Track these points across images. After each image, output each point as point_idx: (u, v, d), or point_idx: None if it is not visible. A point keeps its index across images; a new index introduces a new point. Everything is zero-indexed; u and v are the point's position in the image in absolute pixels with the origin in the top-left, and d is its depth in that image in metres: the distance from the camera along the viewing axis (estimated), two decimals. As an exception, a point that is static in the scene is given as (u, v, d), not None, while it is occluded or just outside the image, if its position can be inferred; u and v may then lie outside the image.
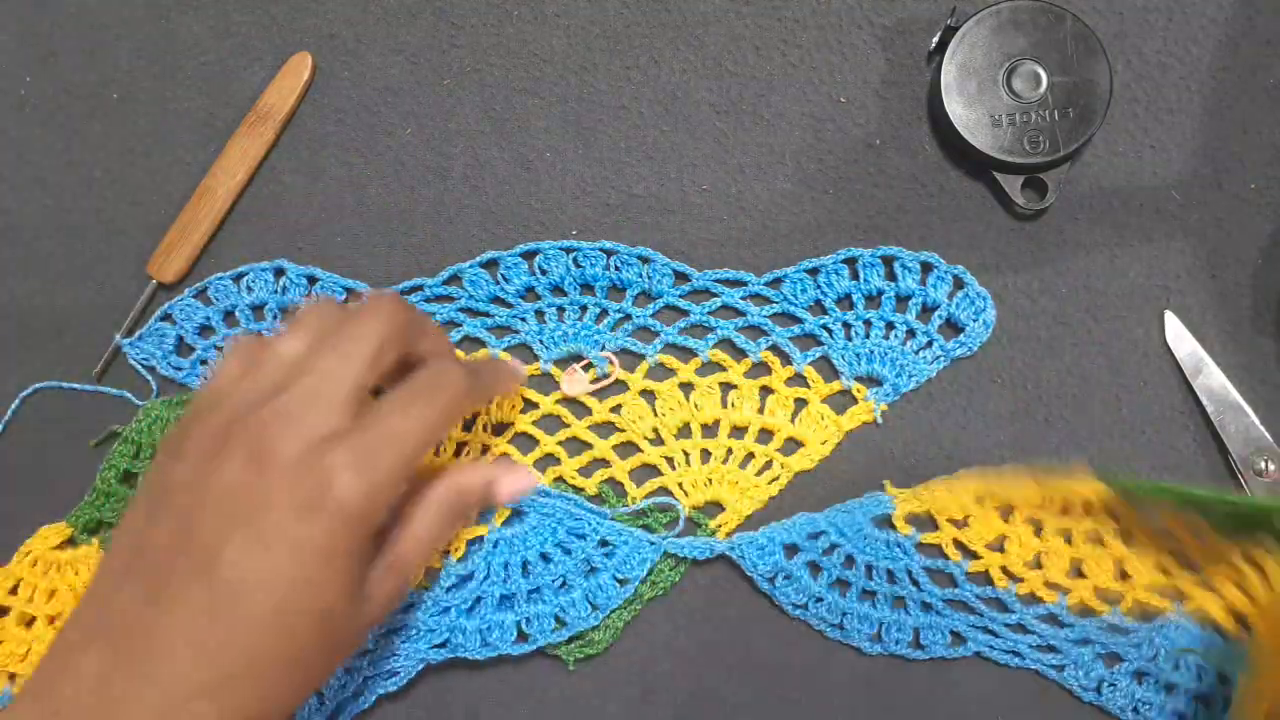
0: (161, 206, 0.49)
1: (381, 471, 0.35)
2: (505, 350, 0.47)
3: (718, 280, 0.47)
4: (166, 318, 0.48)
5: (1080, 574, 0.44)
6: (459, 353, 0.45)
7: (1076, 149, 0.44)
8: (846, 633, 0.45)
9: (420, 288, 0.48)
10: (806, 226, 0.47)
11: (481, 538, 0.45)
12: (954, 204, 0.47)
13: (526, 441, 0.47)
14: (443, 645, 0.44)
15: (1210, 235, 0.46)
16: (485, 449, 0.47)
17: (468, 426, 0.47)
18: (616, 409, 0.47)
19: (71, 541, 0.46)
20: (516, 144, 0.48)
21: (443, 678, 0.46)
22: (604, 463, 0.47)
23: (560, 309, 0.47)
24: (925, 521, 0.45)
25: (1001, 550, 0.45)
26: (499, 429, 0.47)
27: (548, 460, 0.47)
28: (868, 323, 0.46)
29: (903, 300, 0.46)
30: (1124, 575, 0.44)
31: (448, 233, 0.48)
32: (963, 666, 0.45)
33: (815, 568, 0.45)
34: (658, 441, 0.47)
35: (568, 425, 0.47)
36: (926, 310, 0.46)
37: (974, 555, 0.45)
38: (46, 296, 0.49)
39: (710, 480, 0.46)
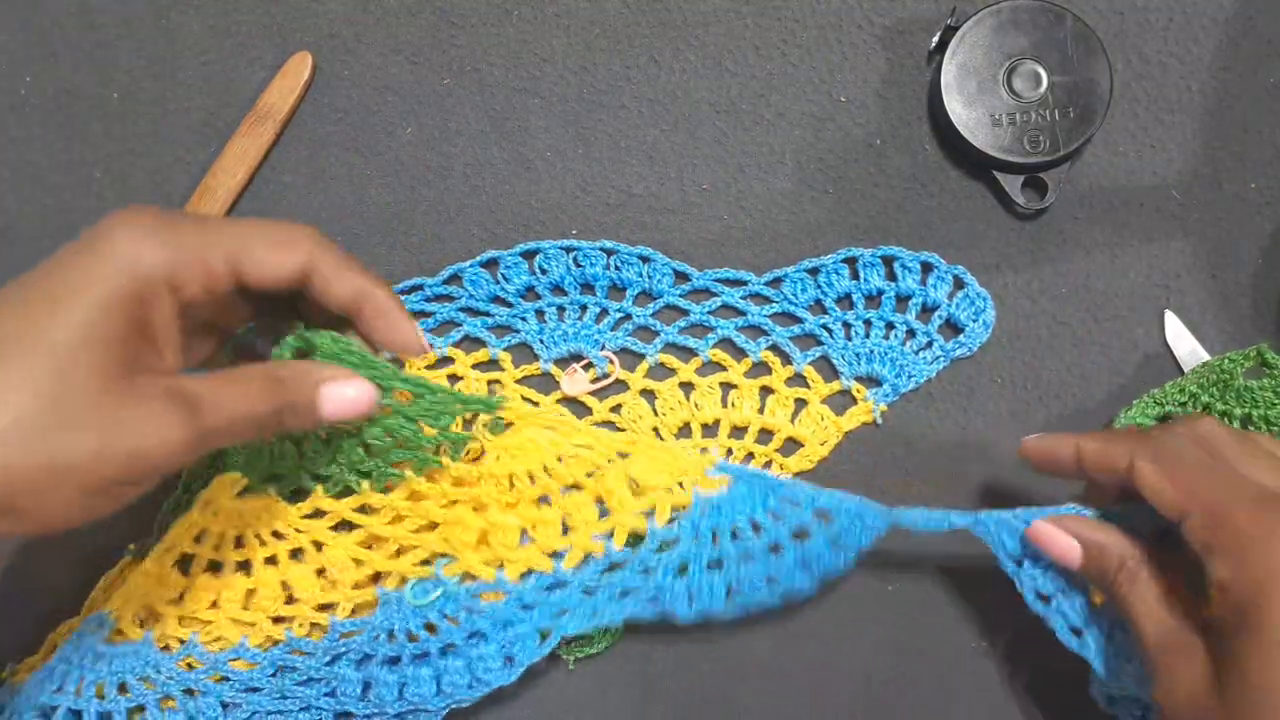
0: (161, 206, 0.49)
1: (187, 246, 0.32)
2: (505, 350, 0.47)
3: (718, 280, 0.47)
4: (166, 317, 0.48)
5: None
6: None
7: (1076, 149, 0.44)
8: (1084, 643, 0.38)
9: (420, 288, 0.48)
10: (806, 226, 0.47)
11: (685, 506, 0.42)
12: (954, 204, 0.47)
13: (526, 441, 0.47)
14: (653, 601, 0.42)
15: (1210, 235, 0.46)
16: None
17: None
18: (616, 409, 0.47)
19: (249, 489, 0.43)
20: (516, 144, 0.48)
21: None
22: (604, 463, 0.47)
23: (560, 309, 0.47)
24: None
25: None
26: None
27: (548, 460, 0.47)
28: (868, 323, 0.46)
29: (903, 300, 0.46)
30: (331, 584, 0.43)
31: (448, 233, 0.48)
32: (963, 667, 0.45)
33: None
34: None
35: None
36: (926, 310, 0.46)
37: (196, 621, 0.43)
38: (46, 296, 0.49)
39: (710, 480, 0.46)
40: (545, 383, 0.47)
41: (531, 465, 0.42)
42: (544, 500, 0.42)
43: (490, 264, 0.47)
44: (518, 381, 0.47)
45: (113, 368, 0.30)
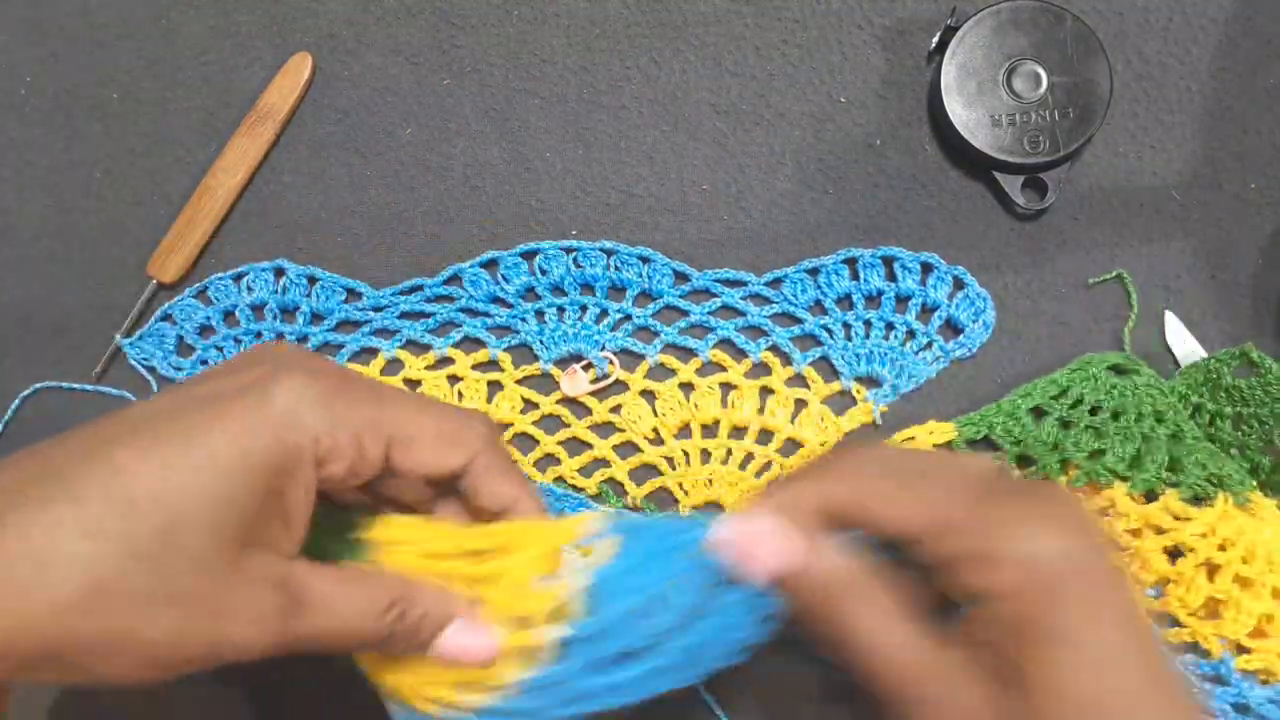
0: (161, 206, 0.49)
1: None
2: (505, 351, 0.47)
3: (718, 280, 0.47)
4: (166, 318, 0.48)
5: None
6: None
7: (1076, 149, 0.44)
8: None
9: (420, 288, 0.48)
10: (806, 226, 0.47)
11: None
12: (954, 204, 0.47)
13: (526, 441, 0.47)
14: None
15: (1210, 235, 0.46)
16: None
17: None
18: (616, 409, 0.47)
19: (949, 446, 0.42)
20: (516, 144, 0.48)
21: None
22: (604, 463, 0.47)
23: (560, 309, 0.47)
24: None
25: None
26: (499, 429, 0.47)
27: (548, 460, 0.47)
28: (868, 323, 0.46)
29: (903, 301, 0.46)
30: None
31: (448, 233, 0.48)
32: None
33: None
34: (658, 442, 0.47)
35: (568, 425, 0.47)
36: (926, 311, 0.46)
37: None
38: (46, 296, 0.49)
39: (710, 481, 0.46)
40: (545, 383, 0.47)
41: (1267, 551, 0.39)
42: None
43: (490, 264, 0.47)
44: (518, 382, 0.47)
45: (228, 537, 0.26)
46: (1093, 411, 0.44)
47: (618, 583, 0.31)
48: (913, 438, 0.44)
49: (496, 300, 0.48)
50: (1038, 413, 0.44)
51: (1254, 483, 0.41)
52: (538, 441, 0.47)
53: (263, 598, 0.27)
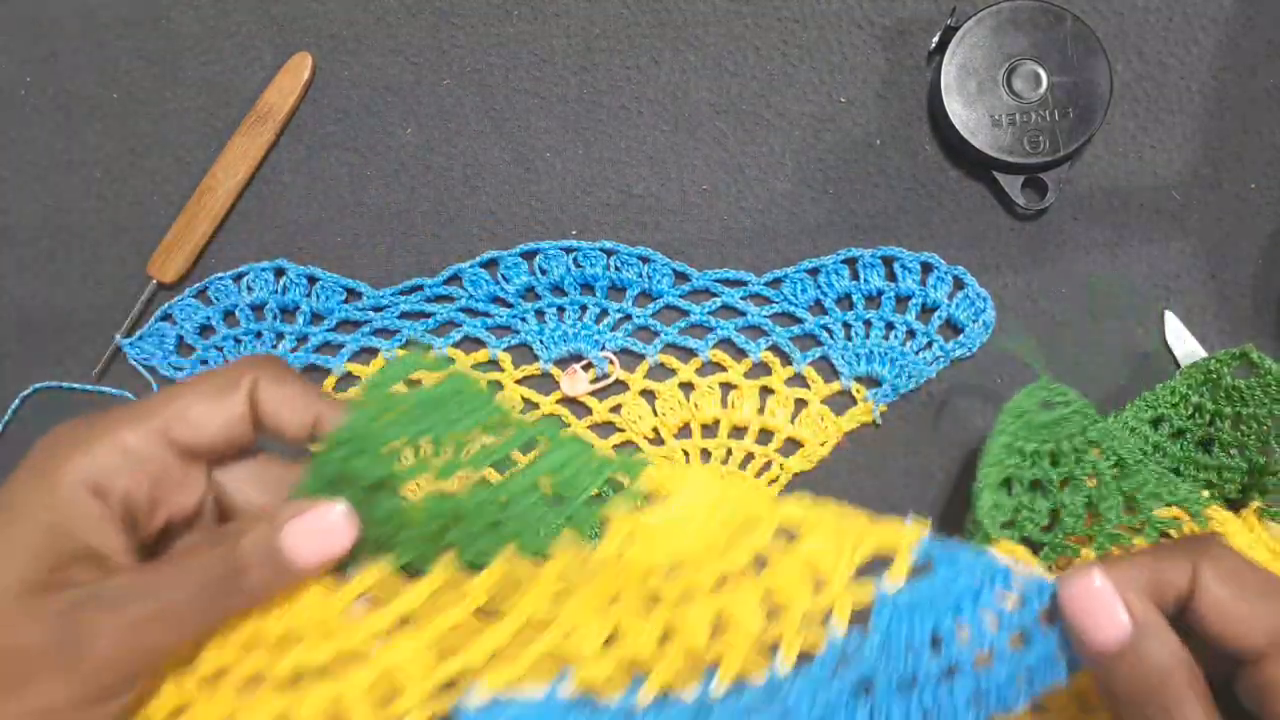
0: (161, 206, 0.49)
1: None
2: (505, 350, 0.47)
3: (718, 280, 0.47)
4: (166, 318, 0.48)
5: None
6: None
7: (1076, 149, 0.44)
8: None
9: (420, 288, 0.48)
10: (806, 226, 0.47)
11: None
12: (954, 204, 0.47)
13: (526, 441, 0.47)
14: None
15: (1210, 235, 0.46)
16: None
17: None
18: (616, 409, 0.47)
19: None
20: (516, 144, 0.48)
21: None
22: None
23: (560, 309, 0.47)
24: None
25: None
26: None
27: (548, 460, 0.47)
28: (868, 323, 0.46)
29: (903, 301, 0.46)
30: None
31: (448, 233, 0.48)
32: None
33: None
34: (658, 441, 0.47)
35: (568, 425, 0.47)
36: (926, 311, 0.46)
37: None
38: (46, 296, 0.49)
39: (710, 480, 0.46)
40: (545, 383, 0.47)
41: (676, 551, 0.30)
42: (686, 599, 0.30)
43: (490, 264, 0.47)
44: (518, 382, 0.47)
45: (16, 586, 0.26)
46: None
47: (908, 608, 0.29)
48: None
49: (496, 300, 0.48)
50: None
51: (1207, 496, 0.40)
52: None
53: (41, 632, 0.26)
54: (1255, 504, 0.41)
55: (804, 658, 0.29)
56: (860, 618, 0.29)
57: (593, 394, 0.47)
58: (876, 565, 0.29)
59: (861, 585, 0.29)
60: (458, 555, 0.30)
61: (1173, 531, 0.39)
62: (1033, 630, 0.28)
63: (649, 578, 0.30)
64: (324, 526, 0.28)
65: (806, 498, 0.30)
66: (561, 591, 0.30)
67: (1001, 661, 0.28)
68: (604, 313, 0.47)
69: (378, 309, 0.48)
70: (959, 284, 0.46)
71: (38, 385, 0.49)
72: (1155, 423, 0.44)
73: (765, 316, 0.47)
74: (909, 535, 0.29)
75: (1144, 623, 0.26)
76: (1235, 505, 0.43)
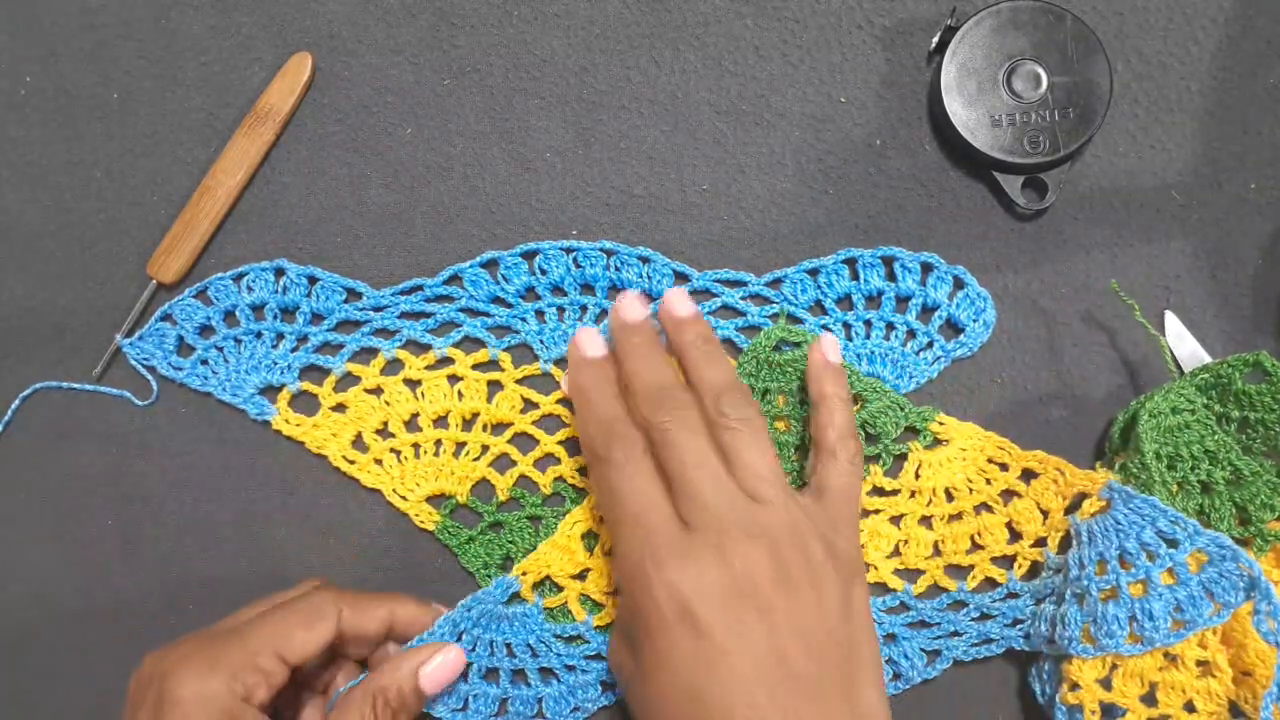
0: (161, 206, 0.49)
1: None
2: (505, 351, 0.47)
3: (718, 281, 0.47)
4: (167, 318, 0.48)
5: None
6: None
7: (1076, 149, 0.44)
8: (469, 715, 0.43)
9: (420, 288, 0.48)
10: (806, 226, 0.47)
11: None
12: (954, 204, 0.47)
13: (526, 441, 0.47)
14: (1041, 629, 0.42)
15: (1210, 235, 0.46)
16: (485, 449, 0.47)
17: (467, 426, 0.47)
18: (616, 409, 0.47)
19: None
20: (516, 144, 0.48)
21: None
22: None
23: (560, 309, 0.47)
24: (552, 585, 0.45)
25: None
26: (499, 429, 0.47)
27: (548, 460, 0.47)
28: (868, 323, 0.46)
29: (903, 301, 0.46)
30: None
31: (448, 233, 0.48)
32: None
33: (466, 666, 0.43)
34: (658, 441, 0.46)
35: (568, 425, 0.47)
36: (927, 311, 0.46)
37: (600, 606, 0.45)
38: (46, 296, 0.49)
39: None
40: (545, 383, 0.47)
41: (954, 480, 0.45)
42: (955, 518, 0.45)
43: (490, 264, 0.47)
44: (518, 382, 0.47)
45: None
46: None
47: (1098, 536, 0.40)
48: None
49: (496, 300, 0.48)
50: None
51: None
52: (538, 441, 0.47)
53: None
54: None
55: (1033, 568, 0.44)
56: (1065, 545, 0.43)
57: (593, 394, 0.47)
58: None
59: (1064, 520, 0.43)
60: None
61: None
62: (1180, 570, 0.39)
63: (929, 502, 0.45)
64: (450, 663, 0.41)
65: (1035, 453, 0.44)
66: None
67: (1154, 592, 0.39)
68: (604, 313, 0.47)
69: (378, 309, 0.48)
70: (959, 284, 0.46)
71: (38, 385, 0.49)
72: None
73: (765, 317, 0.47)
74: (1099, 479, 0.42)
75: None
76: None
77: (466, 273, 0.47)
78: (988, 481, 0.44)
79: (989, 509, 0.44)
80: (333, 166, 0.49)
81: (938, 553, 0.44)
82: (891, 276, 0.46)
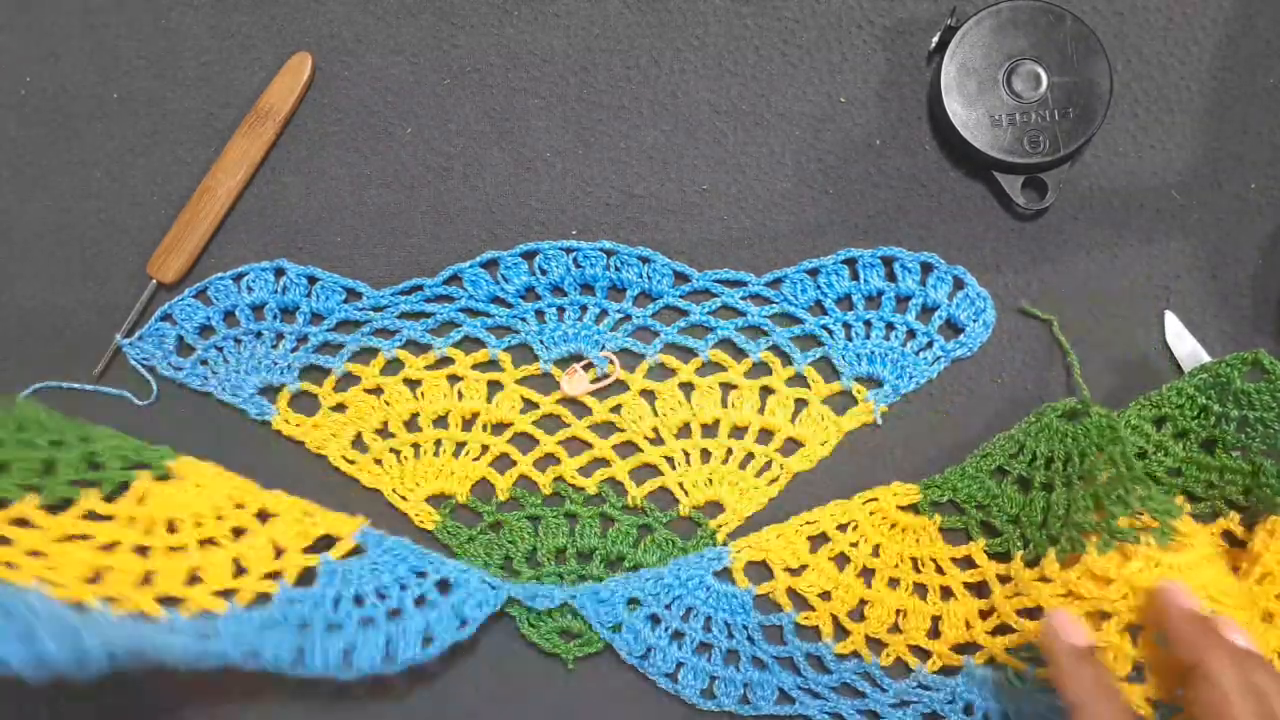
0: (161, 206, 0.49)
1: None
2: (505, 351, 0.47)
3: (718, 280, 0.47)
4: (167, 318, 0.48)
5: (898, 629, 0.44)
6: None
7: (1076, 149, 0.44)
8: (680, 684, 0.45)
9: (420, 288, 0.48)
10: (806, 226, 0.47)
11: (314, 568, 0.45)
12: (954, 204, 0.47)
13: (526, 441, 0.47)
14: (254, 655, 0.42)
15: (1210, 235, 0.46)
16: (485, 449, 0.47)
17: (467, 426, 0.47)
18: (616, 409, 0.47)
19: (915, 509, 0.45)
20: (516, 144, 0.48)
21: (442, 677, 0.46)
22: (604, 463, 0.47)
23: (560, 309, 0.47)
24: (764, 571, 0.45)
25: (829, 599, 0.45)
26: (499, 429, 0.47)
27: (548, 460, 0.47)
28: (868, 323, 0.46)
29: (903, 301, 0.46)
30: (936, 632, 0.44)
31: (448, 233, 0.48)
32: None
33: (655, 619, 0.45)
34: (658, 441, 0.47)
35: (568, 425, 0.47)
36: (926, 311, 0.46)
37: (808, 605, 0.45)
38: (46, 296, 0.49)
39: (710, 480, 0.46)
40: (545, 383, 0.47)
41: (179, 514, 0.45)
42: (210, 542, 0.45)
43: (490, 264, 0.47)
44: (518, 382, 0.47)
45: None
46: (1048, 464, 0.43)
47: (343, 575, 0.45)
48: (875, 499, 0.45)
49: (496, 300, 0.48)
50: (1002, 473, 0.45)
51: (1181, 508, 0.40)
52: (538, 441, 0.47)
53: None
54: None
55: (263, 598, 0.44)
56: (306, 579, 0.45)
57: (593, 394, 0.47)
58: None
59: (311, 556, 0.45)
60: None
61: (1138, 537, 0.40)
62: (432, 595, 0.44)
63: (148, 531, 0.44)
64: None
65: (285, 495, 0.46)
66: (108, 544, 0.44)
67: (410, 617, 0.43)
68: (604, 313, 0.47)
69: (378, 309, 0.48)
70: (959, 284, 0.46)
71: (38, 385, 0.49)
72: (1158, 422, 0.44)
73: (765, 317, 0.47)
74: (350, 524, 0.45)
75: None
76: (1239, 508, 0.43)
77: (466, 273, 0.47)
78: (219, 518, 0.45)
79: (215, 543, 0.45)
80: (333, 166, 0.49)
81: (148, 582, 0.44)
82: (891, 276, 0.46)
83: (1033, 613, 0.42)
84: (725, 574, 0.45)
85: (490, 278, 0.47)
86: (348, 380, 0.48)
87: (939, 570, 0.44)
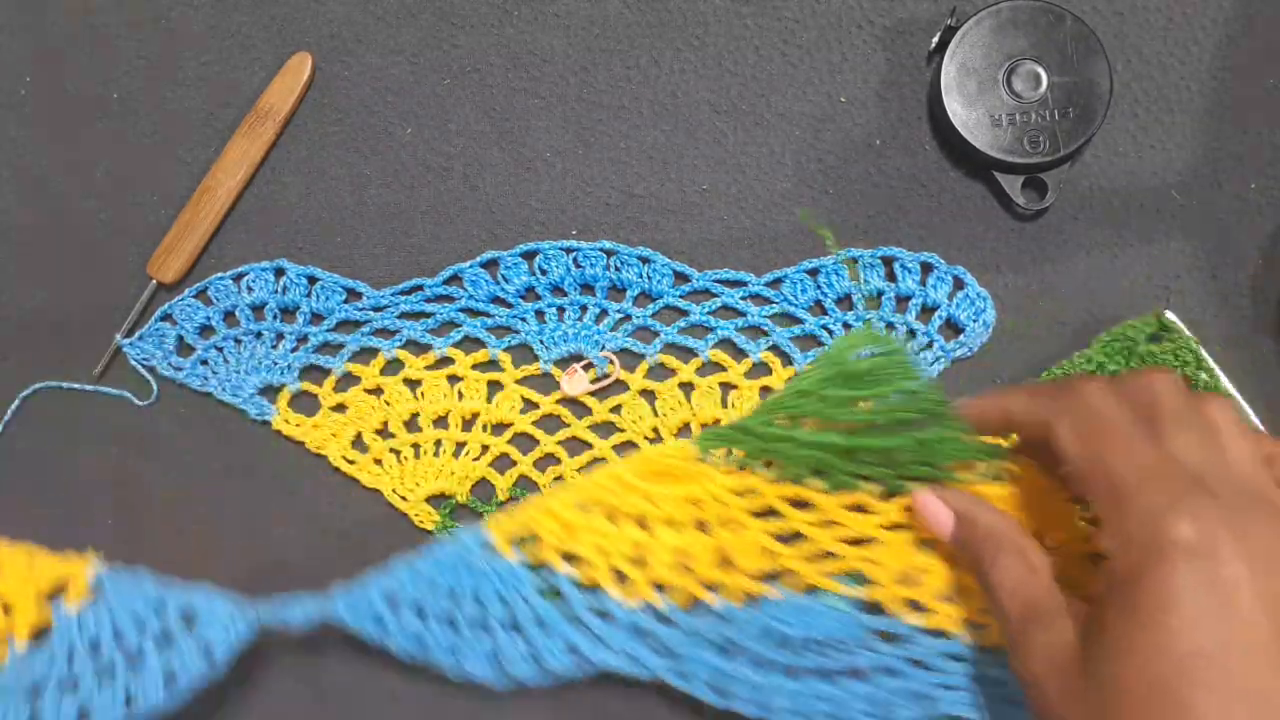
0: (161, 206, 0.49)
1: None
2: (505, 351, 0.47)
3: (718, 280, 0.47)
4: (167, 318, 0.48)
5: (688, 569, 0.40)
6: None
7: (1076, 149, 0.44)
8: (466, 668, 0.41)
9: (420, 288, 0.48)
10: (807, 226, 0.47)
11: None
12: (954, 204, 0.47)
13: (526, 441, 0.47)
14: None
15: (1210, 235, 0.46)
16: (485, 449, 0.47)
17: (467, 427, 0.47)
18: (616, 409, 0.47)
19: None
20: (516, 144, 0.48)
21: (442, 678, 0.46)
22: (604, 462, 0.47)
23: (560, 309, 0.47)
24: (531, 541, 0.42)
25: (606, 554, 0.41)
26: (499, 429, 0.47)
27: (548, 460, 0.47)
28: (868, 323, 0.46)
29: (903, 301, 0.46)
30: (728, 563, 0.40)
31: (448, 233, 0.48)
32: None
33: (422, 611, 0.41)
34: (658, 441, 0.47)
35: (568, 425, 0.47)
36: (926, 311, 0.46)
37: (583, 561, 0.41)
38: (46, 296, 0.49)
39: (710, 480, 0.46)
40: (545, 383, 0.47)
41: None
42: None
43: (490, 264, 0.47)
44: (518, 382, 0.47)
45: None
46: None
47: (79, 624, 0.40)
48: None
49: (496, 300, 0.48)
50: None
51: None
52: (538, 441, 0.47)
53: None
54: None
55: None
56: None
57: (593, 394, 0.47)
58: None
59: (44, 608, 0.40)
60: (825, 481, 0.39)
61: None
62: (175, 629, 0.40)
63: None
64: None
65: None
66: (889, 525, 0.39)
67: (148, 659, 0.40)
68: (604, 313, 0.47)
69: (378, 309, 0.48)
70: (959, 284, 0.46)
71: (38, 385, 0.49)
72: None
73: (765, 317, 0.47)
74: (79, 565, 0.41)
75: (962, 509, 0.37)
76: None
77: (466, 273, 0.47)
78: None
79: None
80: (333, 166, 0.49)
81: None
82: (891, 276, 0.46)
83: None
84: (488, 549, 0.41)
85: (490, 278, 0.47)
86: (348, 380, 0.48)
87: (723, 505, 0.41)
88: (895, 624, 0.39)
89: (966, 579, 0.39)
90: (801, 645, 0.40)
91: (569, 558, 0.41)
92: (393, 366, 0.48)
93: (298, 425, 0.47)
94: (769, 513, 0.40)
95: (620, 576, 0.41)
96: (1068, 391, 0.34)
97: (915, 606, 0.39)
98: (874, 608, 0.39)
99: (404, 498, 0.47)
